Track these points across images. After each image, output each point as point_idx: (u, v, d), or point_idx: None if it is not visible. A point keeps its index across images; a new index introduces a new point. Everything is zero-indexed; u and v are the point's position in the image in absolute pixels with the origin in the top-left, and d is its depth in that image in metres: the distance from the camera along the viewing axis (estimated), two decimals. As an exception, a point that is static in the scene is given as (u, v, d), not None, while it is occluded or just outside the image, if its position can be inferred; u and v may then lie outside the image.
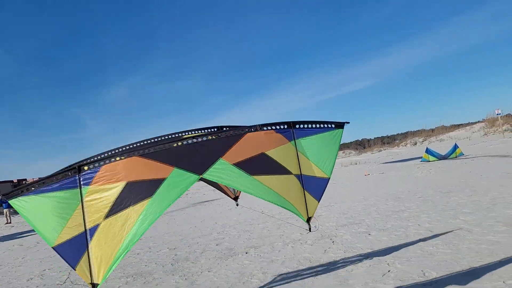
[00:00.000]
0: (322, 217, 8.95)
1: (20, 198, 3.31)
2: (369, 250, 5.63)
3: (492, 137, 33.20)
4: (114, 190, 3.53)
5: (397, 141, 70.92)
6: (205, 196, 21.40)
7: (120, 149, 4.43)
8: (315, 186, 3.98)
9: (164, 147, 3.60)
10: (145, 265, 6.74)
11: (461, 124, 49.99)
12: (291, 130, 3.80)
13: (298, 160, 3.89)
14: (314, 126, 3.85)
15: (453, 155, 20.54)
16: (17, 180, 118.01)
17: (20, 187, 3.37)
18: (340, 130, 3.93)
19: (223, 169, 3.75)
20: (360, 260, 5.19)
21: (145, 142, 4.64)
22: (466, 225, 6.22)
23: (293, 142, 3.82)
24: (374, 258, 5.16)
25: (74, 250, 3.81)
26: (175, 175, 3.65)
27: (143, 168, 3.65)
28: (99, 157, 4.08)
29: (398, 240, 5.93)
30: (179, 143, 3.61)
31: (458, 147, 21.10)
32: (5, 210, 24.15)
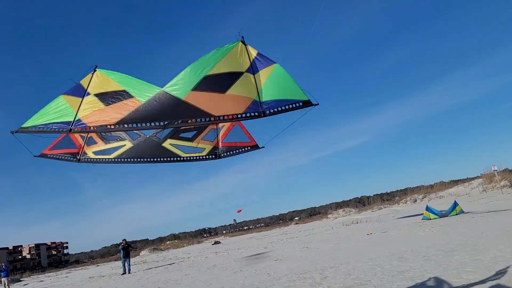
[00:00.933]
0: (328, 279, 9.11)
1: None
2: (378, 311, 5.83)
3: (490, 193, 33.51)
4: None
5: (397, 198, 70.92)
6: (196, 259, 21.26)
7: None
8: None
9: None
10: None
11: (460, 180, 50.43)
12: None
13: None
14: (284, 108, 4.29)
15: (453, 212, 20.77)
16: (13, 246, 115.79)
17: None
18: (308, 107, 4.34)
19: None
20: (370, 321, 5.40)
21: None
22: (469, 284, 6.46)
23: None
24: (383, 319, 5.38)
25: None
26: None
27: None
28: None
29: (404, 300, 6.14)
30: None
31: (457, 204, 21.38)
32: (3, 279, 23.72)
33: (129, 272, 20.63)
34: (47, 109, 4.39)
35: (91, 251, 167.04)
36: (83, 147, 5.84)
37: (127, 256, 21.45)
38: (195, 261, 21.57)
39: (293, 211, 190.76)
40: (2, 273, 23.46)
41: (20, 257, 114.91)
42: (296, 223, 69.77)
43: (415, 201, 42.31)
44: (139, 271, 21.33)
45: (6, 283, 23.33)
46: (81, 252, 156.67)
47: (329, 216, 61.00)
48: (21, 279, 34.49)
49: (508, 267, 7.14)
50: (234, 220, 52.36)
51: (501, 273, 6.91)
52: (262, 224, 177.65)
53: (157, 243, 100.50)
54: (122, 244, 21.56)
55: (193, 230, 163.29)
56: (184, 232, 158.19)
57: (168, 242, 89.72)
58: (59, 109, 4.34)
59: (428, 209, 21.57)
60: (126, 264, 21.17)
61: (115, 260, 47.86)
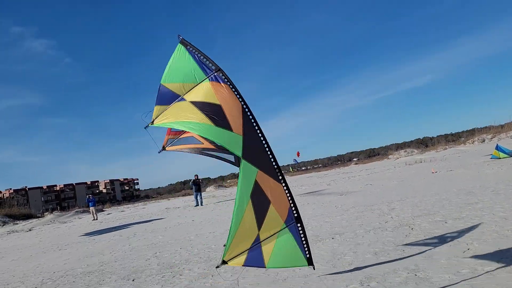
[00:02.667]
0: (396, 210, 9.64)
1: None
2: (448, 234, 6.33)
3: None
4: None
5: (463, 138, 68.07)
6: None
7: None
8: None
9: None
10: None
11: (534, 119, 47.42)
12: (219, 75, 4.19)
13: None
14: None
15: (526, 152, 20.08)
16: (91, 181, 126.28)
17: None
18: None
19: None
20: (441, 242, 5.93)
21: None
22: (540, 214, 6.73)
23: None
24: (454, 240, 5.89)
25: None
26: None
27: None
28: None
29: (474, 227, 6.57)
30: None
31: (531, 143, 20.58)
32: (91, 208, 26.57)
33: (201, 204, 22.38)
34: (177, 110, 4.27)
35: (159, 187, 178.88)
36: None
37: (198, 190, 23.18)
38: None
39: (352, 152, 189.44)
40: (90, 203, 26.43)
41: (97, 191, 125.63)
42: (356, 163, 69.87)
43: (483, 141, 40.70)
44: (210, 203, 23.05)
45: (94, 212, 26.25)
46: (150, 188, 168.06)
47: (389, 156, 60.32)
48: (103, 209, 38.28)
49: None
50: (295, 160, 53.40)
51: None
52: (320, 165, 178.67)
53: (218, 181, 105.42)
54: (194, 179, 23.23)
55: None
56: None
57: (228, 181, 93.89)
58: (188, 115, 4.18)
59: (498, 148, 20.96)
60: (198, 197, 22.93)
61: (183, 196, 51.30)
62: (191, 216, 16.75)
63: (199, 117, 4.02)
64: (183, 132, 4.96)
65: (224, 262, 4.14)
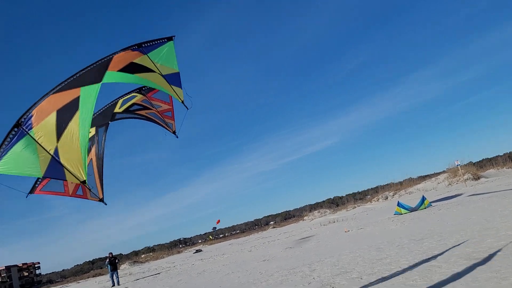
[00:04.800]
0: (317, 271, 10.24)
1: None
2: (364, 290, 7.01)
3: (456, 186, 35.67)
4: (51, 120, 5.14)
5: (369, 196, 73.22)
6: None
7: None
8: (174, 79, 6.18)
9: (66, 80, 5.40)
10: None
11: (427, 175, 53.06)
12: (141, 48, 5.96)
13: (155, 65, 5.91)
14: (153, 42, 6.00)
15: (422, 206, 22.40)
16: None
17: None
18: (171, 42, 6.18)
19: (114, 76, 5.72)
20: (358, 297, 6.56)
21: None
22: (436, 263, 7.74)
23: (146, 55, 5.88)
24: (369, 294, 6.56)
25: (54, 170, 5.41)
26: (84, 91, 5.45)
27: (61, 98, 5.43)
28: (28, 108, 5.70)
29: (385, 279, 7.34)
30: (76, 75, 5.44)
31: (426, 198, 23.05)
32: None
33: (118, 284, 21.12)
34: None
35: (63, 270, 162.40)
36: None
37: (114, 269, 21.91)
38: (182, 269, 22.28)
39: (268, 216, 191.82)
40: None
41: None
42: (273, 227, 70.89)
43: (386, 198, 44.24)
44: (127, 282, 21.86)
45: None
46: (53, 272, 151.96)
47: (305, 218, 62.41)
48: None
49: (466, 247, 8.50)
50: (214, 228, 53.05)
51: (459, 249, 8.25)
52: (238, 231, 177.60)
53: (132, 257, 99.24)
54: (109, 257, 22.04)
55: (167, 242, 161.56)
56: (159, 244, 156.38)
57: (143, 256, 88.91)
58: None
59: (399, 204, 23.15)
60: (114, 277, 21.62)
61: (93, 276, 47.51)
62: (109, 298, 15.79)
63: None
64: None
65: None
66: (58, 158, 5.26)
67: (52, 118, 5.05)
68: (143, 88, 6.22)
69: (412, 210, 22.44)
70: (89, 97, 5.38)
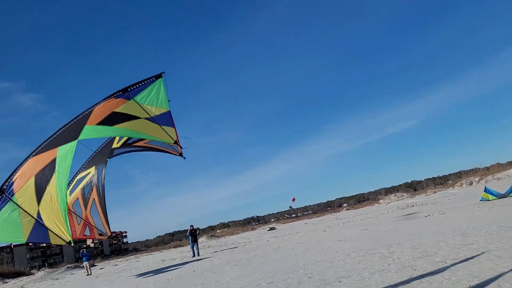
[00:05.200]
0: (397, 253, 10.03)
1: None
2: (449, 274, 6.76)
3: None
4: (30, 185, 5.32)
5: (450, 181, 69.25)
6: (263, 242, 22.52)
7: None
8: (165, 119, 5.94)
9: (45, 141, 5.48)
10: (255, 294, 8.13)
11: (519, 160, 48.82)
12: (126, 93, 5.72)
13: (142, 108, 5.67)
14: (140, 84, 5.79)
15: (513, 193, 20.79)
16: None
17: None
18: (160, 79, 5.89)
19: (92, 130, 5.65)
20: (444, 281, 6.35)
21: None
22: (532, 251, 7.24)
23: (132, 100, 5.65)
24: (456, 278, 6.32)
25: (38, 233, 5.65)
26: (61, 151, 5.47)
27: (39, 161, 5.55)
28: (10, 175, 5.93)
29: (472, 265, 7.02)
30: (54, 135, 5.46)
31: (517, 184, 21.33)
32: (85, 263, 26.15)
33: (199, 255, 22.34)
34: None
35: (146, 240, 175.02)
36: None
37: (195, 240, 23.15)
38: (258, 245, 22.96)
39: (341, 198, 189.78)
40: (84, 258, 26.00)
41: (84, 246, 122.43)
42: (347, 209, 70.04)
43: (471, 183, 41.55)
44: (207, 253, 23.02)
45: (88, 267, 25.79)
46: (137, 241, 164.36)
47: (380, 201, 60.87)
48: (94, 264, 37.49)
49: None
50: (290, 206, 53.87)
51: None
52: (310, 212, 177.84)
53: (208, 231, 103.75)
54: (190, 229, 23.29)
55: (241, 219, 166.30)
56: (233, 221, 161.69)
57: (218, 231, 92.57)
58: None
59: (486, 190, 21.65)
60: (194, 248, 22.89)
61: (174, 247, 50.48)
62: (191, 267, 16.79)
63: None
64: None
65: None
66: (42, 221, 5.50)
67: (31, 183, 5.27)
68: (150, 146, 6.16)
69: (501, 196, 20.89)
70: (65, 156, 5.47)
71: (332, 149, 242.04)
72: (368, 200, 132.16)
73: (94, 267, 31.89)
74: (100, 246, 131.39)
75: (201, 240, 50.77)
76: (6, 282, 28.57)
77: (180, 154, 7.20)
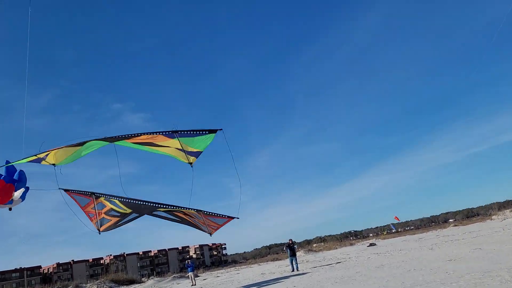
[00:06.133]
0: (520, 277, 9.05)
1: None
2: None
3: None
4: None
5: None
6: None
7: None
8: (193, 154, 5.64)
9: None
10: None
11: None
12: (174, 133, 5.57)
13: (180, 144, 5.40)
14: (191, 132, 5.48)
15: None
16: (181, 247, 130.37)
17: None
18: (213, 134, 5.52)
19: (124, 144, 5.77)
20: None
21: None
22: None
23: (176, 139, 5.45)
24: None
25: None
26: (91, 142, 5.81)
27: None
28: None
29: None
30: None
31: None
32: (190, 274, 27.60)
33: (297, 270, 22.29)
34: None
35: (244, 252, 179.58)
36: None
37: (293, 255, 23.15)
38: (358, 261, 22.26)
39: (447, 213, 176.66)
40: (189, 268, 27.50)
41: (187, 256, 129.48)
42: (455, 225, 64.79)
43: None
44: (306, 268, 22.89)
45: (192, 277, 27.21)
46: (236, 253, 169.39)
47: (493, 217, 55.30)
48: (198, 274, 39.39)
49: None
50: (392, 225, 51.60)
51: None
52: (412, 227, 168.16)
53: (304, 245, 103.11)
54: (288, 243, 23.38)
55: (338, 233, 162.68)
56: (330, 235, 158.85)
57: (315, 245, 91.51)
58: None
59: None
60: (293, 262, 22.89)
61: (272, 261, 51.03)
62: (291, 282, 16.85)
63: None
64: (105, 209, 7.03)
65: None
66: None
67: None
68: (202, 211, 6.14)
69: None
70: (92, 144, 6.07)
71: (438, 159, 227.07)
72: (478, 215, 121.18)
73: (198, 278, 33.51)
74: (201, 257, 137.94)
75: (299, 254, 50.63)
76: (122, 289, 31.27)
77: (210, 233, 7.39)
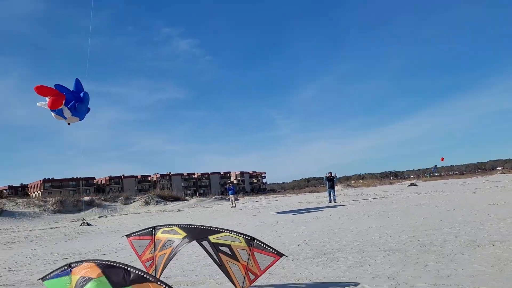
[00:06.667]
0: None
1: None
2: None
3: None
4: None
5: None
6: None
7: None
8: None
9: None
10: (395, 245, 8.05)
11: None
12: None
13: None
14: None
15: None
16: (223, 172, 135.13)
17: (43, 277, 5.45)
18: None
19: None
20: None
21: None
22: None
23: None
24: None
25: None
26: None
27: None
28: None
29: None
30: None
31: None
32: (230, 196, 28.82)
33: (335, 201, 22.68)
34: None
35: (283, 182, 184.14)
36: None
37: (332, 187, 23.44)
38: (396, 198, 22.26)
39: (495, 160, 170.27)
40: (230, 191, 28.71)
41: (229, 181, 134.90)
42: (502, 172, 62.56)
43: None
44: (343, 201, 23.25)
45: (233, 200, 28.47)
46: (275, 183, 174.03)
47: (547, 167, 52.77)
48: (238, 198, 41.10)
49: None
50: (435, 165, 50.53)
51: None
52: (456, 172, 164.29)
53: (343, 181, 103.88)
54: (329, 175, 23.61)
55: (378, 172, 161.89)
56: (369, 173, 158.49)
57: (353, 181, 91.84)
58: None
59: None
60: (331, 194, 23.26)
61: (310, 192, 52.05)
62: (327, 211, 17.24)
63: None
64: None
65: None
66: None
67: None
68: (255, 240, 5.53)
69: None
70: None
71: (492, 106, 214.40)
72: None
73: (238, 201, 34.97)
74: (242, 183, 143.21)
75: (337, 188, 51.25)
76: (167, 204, 33.32)
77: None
